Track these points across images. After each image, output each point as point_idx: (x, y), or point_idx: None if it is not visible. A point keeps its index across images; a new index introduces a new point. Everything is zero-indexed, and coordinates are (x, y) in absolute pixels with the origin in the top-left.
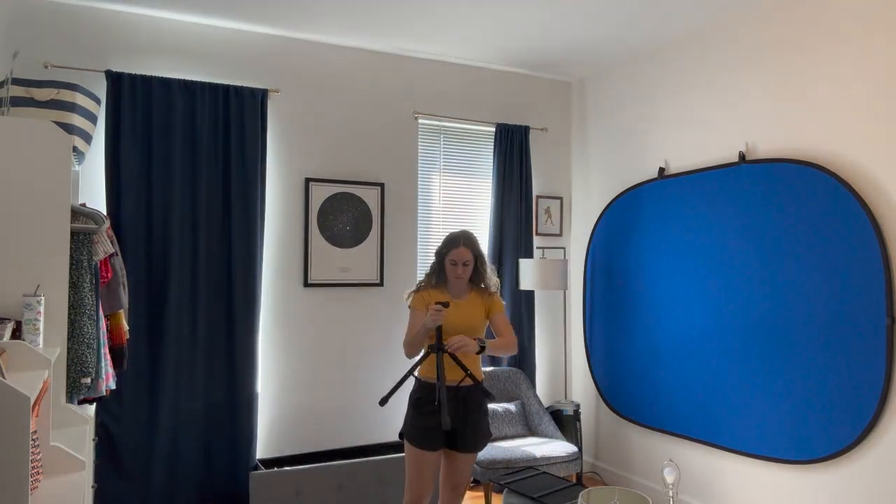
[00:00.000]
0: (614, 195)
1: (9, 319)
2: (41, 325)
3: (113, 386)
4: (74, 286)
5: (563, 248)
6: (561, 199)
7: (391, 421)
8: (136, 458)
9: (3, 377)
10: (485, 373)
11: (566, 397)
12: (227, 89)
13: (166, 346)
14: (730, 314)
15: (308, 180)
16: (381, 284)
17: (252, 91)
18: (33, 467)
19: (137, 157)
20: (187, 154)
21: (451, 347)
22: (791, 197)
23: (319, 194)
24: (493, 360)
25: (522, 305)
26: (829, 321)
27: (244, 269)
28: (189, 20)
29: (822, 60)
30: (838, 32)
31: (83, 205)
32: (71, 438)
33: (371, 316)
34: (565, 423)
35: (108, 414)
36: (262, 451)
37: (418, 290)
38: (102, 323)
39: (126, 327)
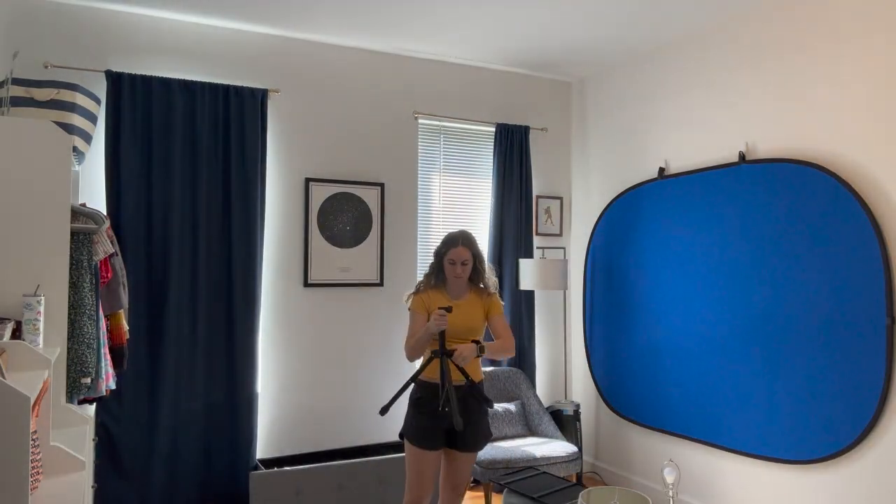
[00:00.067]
0: (614, 195)
1: (9, 319)
2: (41, 325)
3: (113, 386)
4: (74, 286)
5: (563, 248)
6: (561, 199)
7: (391, 421)
8: (136, 458)
9: (3, 377)
10: (485, 373)
11: (566, 397)
12: (227, 89)
13: (166, 346)
14: (730, 314)
15: (308, 180)
16: (381, 284)
17: (252, 91)
18: (33, 467)
19: (137, 157)
20: (187, 154)
21: (456, 360)
22: (791, 197)
23: (319, 194)
24: (493, 361)
25: (522, 305)
26: (829, 321)
27: (244, 269)
28: (189, 20)
29: (822, 60)
30: (838, 32)
31: (83, 205)
32: (71, 438)
33: (371, 316)
34: (565, 423)
35: (108, 414)
36: (262, 451)
37: (417, 291)
38: (102, 323)
39: (126, 327)
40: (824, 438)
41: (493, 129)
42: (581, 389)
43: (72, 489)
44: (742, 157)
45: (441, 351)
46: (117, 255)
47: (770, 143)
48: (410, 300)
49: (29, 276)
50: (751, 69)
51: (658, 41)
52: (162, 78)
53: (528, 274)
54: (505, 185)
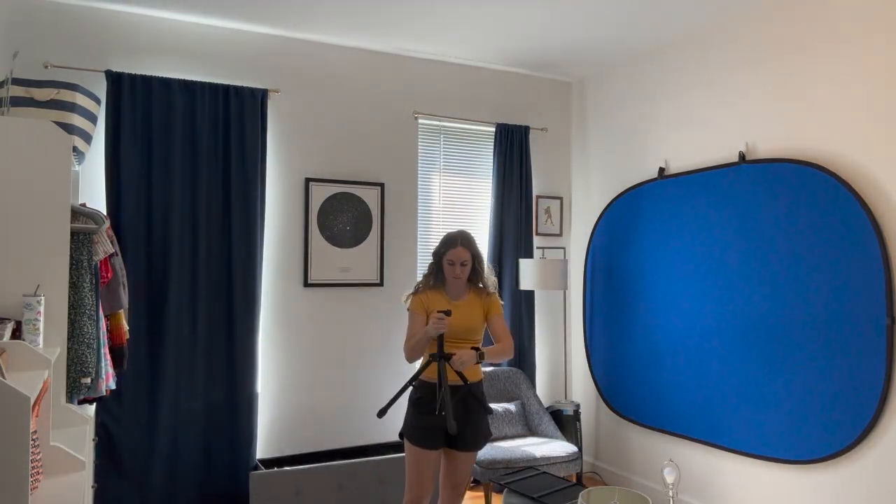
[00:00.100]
0: (614, 195)
1: (9, 319)
2: (41, 325)
3: (113, 386)
4: (74, 286)
5: (563, 248)
6: (561, 199)
7: (391, 421)
8: (136, 458)
9: (3, 377)
10: (485, 373)
11: (566, 397)
12: (227, 89)
13: (166, 346)
14: (730, 314)
15: (308, 180)
16: (381, 284)
17: (252, 91)
18: (33, 467)
19: (137, 157)
20: (187, 154)
21: (454, 365)
22: (791, 197)
23: (319, 194)
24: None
25: (522, 305)
26: (829, 321)
27: (244, 269)
28: (189, 20)
29: (822, 60)
30: (838, 32)
31: (83, 205)
32: (71, 438)
33: (371, 316)
34: (565, 423)
35: (108, 414)
36: (262, 451)
37: (416, 292)
38: (102, 323)
39: (126, 327)
40: (824, 438)
41: (493, 129)
42: (581, 389)
43: (72, 489)
44: (742, 157)
45: (439, 354)
46: (117, 255)
47: (770, 143)
48: (409, 300)
49: (29, 276)
50: (751, 69)
51: (658, 41)
52: (162, 78)
53: (528, 274)
54: (505, 185)
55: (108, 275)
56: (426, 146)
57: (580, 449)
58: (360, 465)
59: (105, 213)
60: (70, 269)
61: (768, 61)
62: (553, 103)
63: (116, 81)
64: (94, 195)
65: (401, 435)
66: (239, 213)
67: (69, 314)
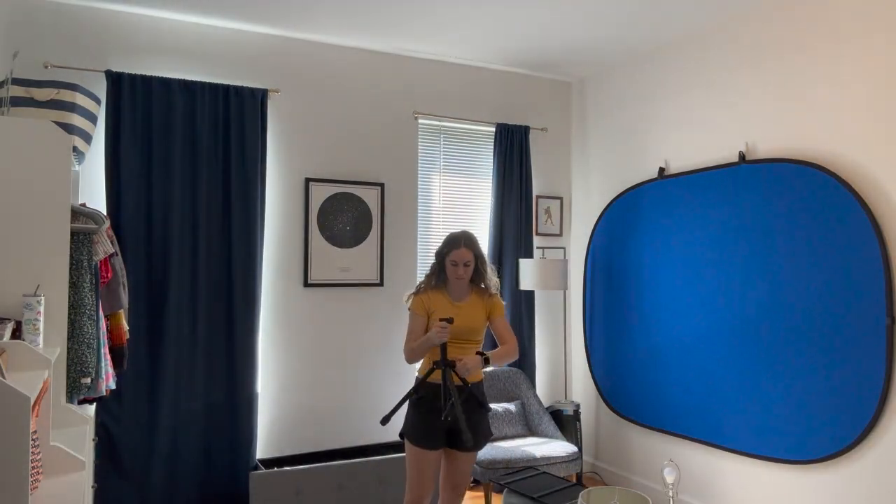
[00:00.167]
0: (614, 195)
1: (9, 319)
2: (41, 325)
3: (113, 386)
4: (74, 286)
5: (563, 248)
6: (561, 199)
7: (391, 421)
8: (136, 458)
9: (3, 377)
10: (485, 373)
11: (566, 397)
12: (227, 89)
13: (166, 346)
14: (730, 314)
15: (308, 180)
16: (381, 284)
17: (252, 91)
18: (33, 467)
19: (137, 157)
20: (187, 154)
21: (459, 372)
22: (791, 197)
23: (319, 194)
24: None
25: (522, 305)
26: (829, 321)
27: (244, 269)
28: (189, 20)
29: (822, 60)
30: (838, 32)
31: (83, 205)
32: (71, 438)
33: (371, 316)
34: (565, 423)
35: (108, 414)
36: (262, 451)
37: (418, 292)
38: (102, 323)
39: (126, 327)
40: (824, 438)
41: (493, 129)
42: (581, 389)
43: (72, 489)
44: (742, 157)
45: (443, 362)
46: (117, 255)
47: (770, 143)
48: (410, 300)
49: (29, 276)
50: (751, 69)
51: (658, 41)
52: (162, 78)
53: (528, 274)
54: (505, 185)
55: (108, 275)
56: (426, 146)
57: (580, 449)
58: (360, 465)
59: (105, 213)
60: (70, 269)
61: (768, 61)
62: (553, 103)
63: (116, 81)
64: (94, 195)
65: (401, 435)
66: (239, 213)
67: (69, 314)
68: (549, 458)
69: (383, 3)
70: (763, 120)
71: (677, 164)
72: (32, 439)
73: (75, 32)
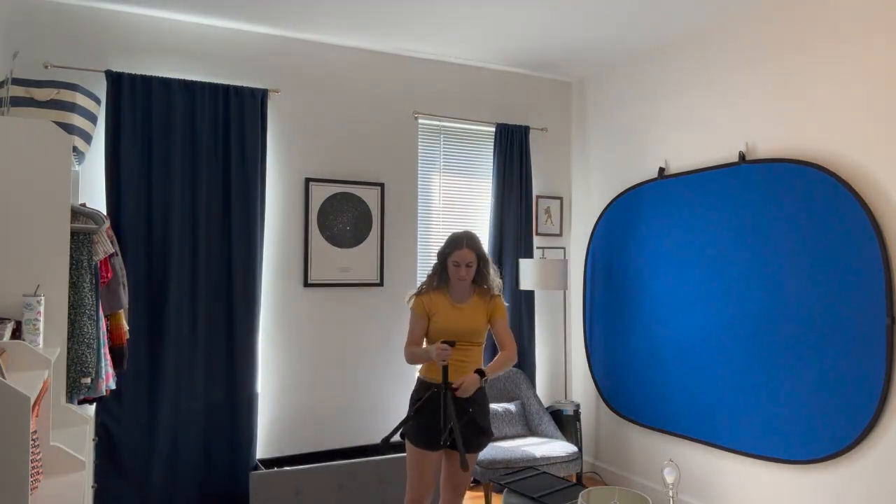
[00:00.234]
0: (614, 195)
1: (9, 319)
2: (41, 325)
3: (113, 386)
4: (74, 286)
5: (563, 248)
6: (561, 199)
7: (391, 421)
8: (136, 458)
9: (3, 377)
10: None
11: (566, 397)
12: (227, 89)
13: (166, 346)
14: (729, 314)
15: (308, 180)
16: (381, 284)
17: (252, 91)
18: (33, 467)
19: (137, 157)
20: (187, 154)
21: (460, 395)
22: (791, 197)
23: (319, 194)
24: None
25: (522, 305)
26: (829, 321)
27: (244, 269)
28: (189, 20)
29: (822, 60)
30: (838, 32)
31: (83, 205)
32: (71, 438)
33: (371, 316)
34: (565, 423)
35: (108, 414)
36: (262, 451)
37: (419, 293)
38: (102, 323)
39: (126, 327)
40: (824, 438)
41: (493, 129)
42: (581, 389)
43: (72, 489)
44: (742, 157)
45: (444, 385)
46: (117, 255)
47: (770, 143)
48: (412, 300)
49: (29, 276)
50: (751, 69)
51: (658, 41)
52: (162, 78)
53: (528, 274)
54: (505, 185)
55: (108, 275)
56: (426, 146)
57: (580, 449)
58: (360, 465)
59: (105, 213)
60: (70, 269)
61: (768, 61)
62: (553, 103)
63: (116, 81)
64: (94, 195)
65: (402, 435)
66: (239, 213)
67: (69, 314)
68: (549, 458)
69: (383, 3)
70: (763, 120)
71: (677, 164)
72: (32, 439)
73: (75, 32)
